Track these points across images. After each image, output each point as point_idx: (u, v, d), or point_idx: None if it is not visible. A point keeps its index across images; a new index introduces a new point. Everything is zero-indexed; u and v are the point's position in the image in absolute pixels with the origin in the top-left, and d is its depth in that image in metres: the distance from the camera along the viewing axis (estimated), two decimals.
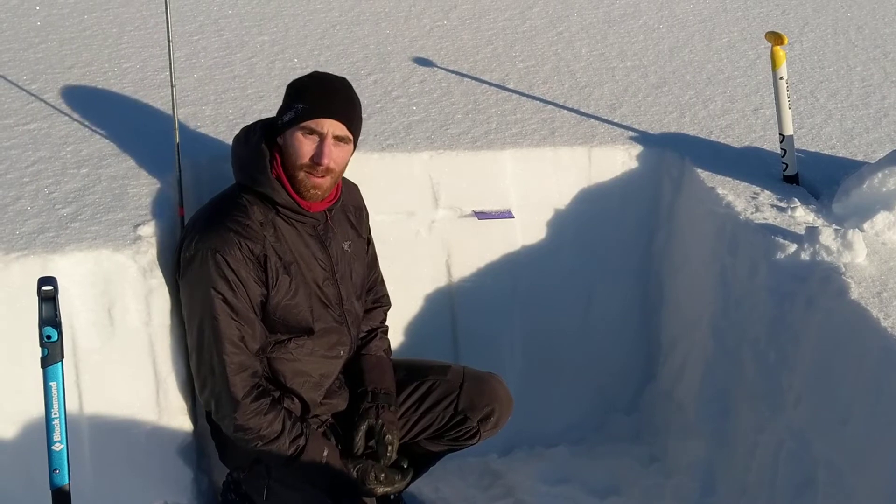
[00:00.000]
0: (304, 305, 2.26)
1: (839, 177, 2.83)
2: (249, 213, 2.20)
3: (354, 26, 3.90)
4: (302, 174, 2.19)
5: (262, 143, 2.22)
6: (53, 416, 1.75)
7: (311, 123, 2.16)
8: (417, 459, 2.55)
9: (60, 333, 1.72)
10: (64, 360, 1.74)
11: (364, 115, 2.32)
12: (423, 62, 3.61)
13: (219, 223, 2.18)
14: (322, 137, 2.17)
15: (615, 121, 3.21)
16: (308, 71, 2.34)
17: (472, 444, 2.55)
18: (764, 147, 3.09)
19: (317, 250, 2.29)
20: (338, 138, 2.19)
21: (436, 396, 2.49)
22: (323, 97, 2.18)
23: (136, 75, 3.29)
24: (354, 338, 2.44)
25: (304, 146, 2.17)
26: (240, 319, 2.15)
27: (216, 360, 2.14)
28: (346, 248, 2.38)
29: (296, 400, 2.31)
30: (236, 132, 2.34)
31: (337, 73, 2.32)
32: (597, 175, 3.05)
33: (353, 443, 2.34)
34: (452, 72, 3.54)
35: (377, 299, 2.60)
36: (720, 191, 2.82)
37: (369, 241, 2.56)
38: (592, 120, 3.20)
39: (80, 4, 3.91)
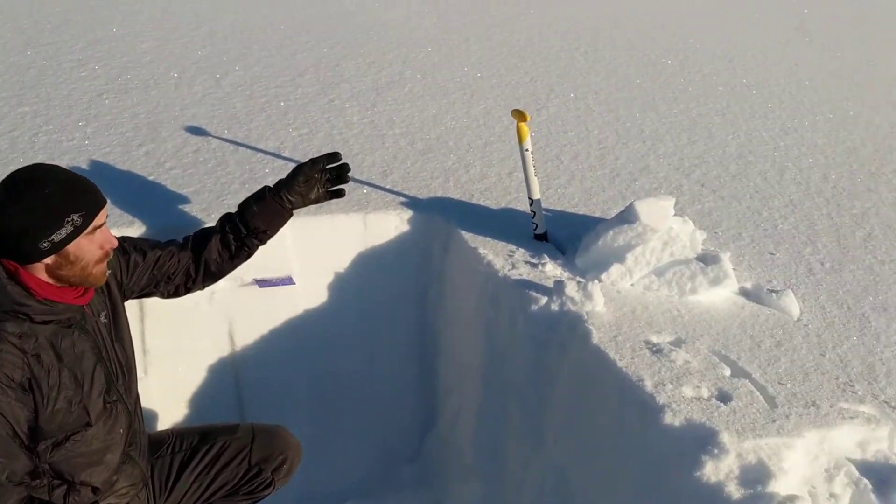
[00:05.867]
0: (76, 404, 2.17)
1: (581, 233, 3.18)
2: (2, 336, 2.03)
3: (122, 94, 3.86)
4: (97, 268, 2.14)
5: None
6: None
7: (94, 223, 2.10)
8: None
9: None
10: None
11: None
12: (196, 131, 3.63)
13: None
14: (100, 226, 2.14)
15: (387, 187, 3.42)
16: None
17: (266, 495, 2.66)
18: (518, 208, 3.43)
19: (79, 339, 2.19)
20: None
21: (228, 455, 2.58)
22: (84, 195, 2.11)
23: None
24: (130, 405, 2.38)
25: (93, 245, 2.12)
26: (1, 456, 2.01)
27: None
28: (103, 320, 2.31)
29: (88, 488, 2.25)
30: None
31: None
32: (372, 239, 3.24)
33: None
34: (227, 140, 3.60)
35: (178, 250, 2.57)
36: (481, 251, 3.09)
37: (121, 284, 2.45)
38: (366, 187, 3.40)
39: None
